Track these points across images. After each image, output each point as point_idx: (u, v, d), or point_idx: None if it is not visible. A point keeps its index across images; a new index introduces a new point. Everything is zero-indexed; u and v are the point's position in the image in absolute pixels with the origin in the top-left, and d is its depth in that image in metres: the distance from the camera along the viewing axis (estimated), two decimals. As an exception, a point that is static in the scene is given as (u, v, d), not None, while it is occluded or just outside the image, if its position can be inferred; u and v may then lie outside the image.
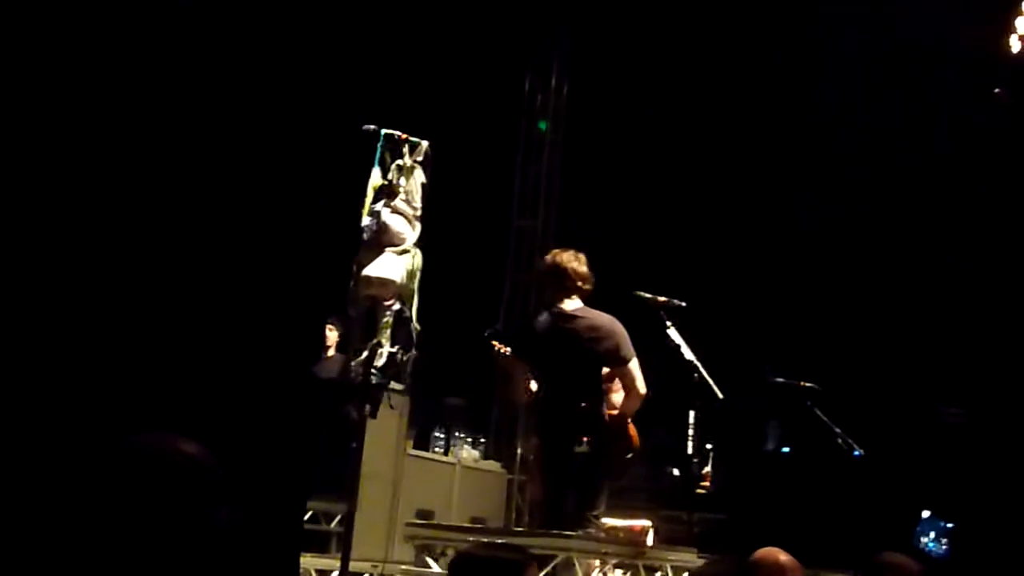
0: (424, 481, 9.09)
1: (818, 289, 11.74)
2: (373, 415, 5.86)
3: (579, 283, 7.33)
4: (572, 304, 7.30)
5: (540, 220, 12.22)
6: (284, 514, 4.88)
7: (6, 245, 4.30)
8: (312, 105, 5.86)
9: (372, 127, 6.11)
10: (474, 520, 9.35)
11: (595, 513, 7.23)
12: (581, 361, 7.19)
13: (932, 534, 10.22)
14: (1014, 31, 10.77)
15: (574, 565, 6.64)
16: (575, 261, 7.36)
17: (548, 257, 7.59)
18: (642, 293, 7.64)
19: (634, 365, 7.22)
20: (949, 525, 10.21)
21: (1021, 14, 11.00)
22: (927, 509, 10.22)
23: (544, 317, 7.37)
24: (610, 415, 7.31)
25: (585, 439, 7.08)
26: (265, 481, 4.60)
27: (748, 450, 11.55)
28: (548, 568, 6.27)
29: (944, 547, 10.24)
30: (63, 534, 2.48)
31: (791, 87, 11.82)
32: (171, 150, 5.04)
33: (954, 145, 11.60)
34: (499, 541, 5.83)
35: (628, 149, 11.97)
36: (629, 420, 7.38)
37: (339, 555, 7.38)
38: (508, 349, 7.48)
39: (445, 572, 6.31)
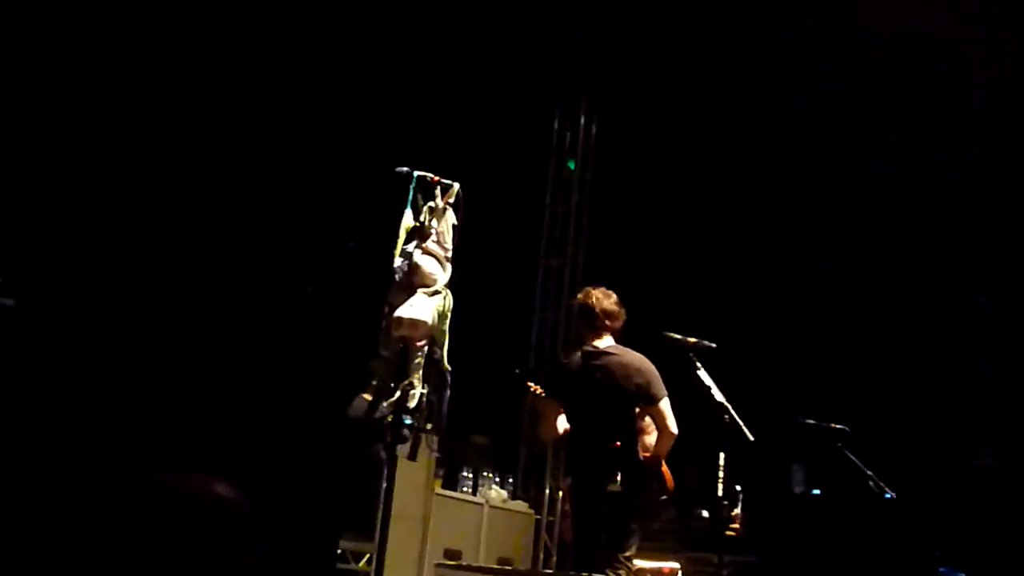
0: (452, 521, 9.06)
1: (847, 331, 11.69)
2: (412, 457, 5.85)
3: (608, 321, 7.33)
4: (603, 342, 7.30)
5: (568, 259, 12.23)
6: (316, 554, 4.88)
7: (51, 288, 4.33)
8: (345, 148, 5.90)
9: (405, 169, 6.13)
10: (501, 560, 9.31)
11: (626, 555, 7.19)
12: (613, 399, 7.17)
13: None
14: None
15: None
16: (605, 299, 7.37)
17: (579, 296, 7.60)
18: (671, 334, 7.62)
19: (665, 404, 7.21)
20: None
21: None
22: (943, 565, 10.13)
23: (575, 356, 7.36)
24: (644, 456, 7.28)
25: (618, 478, 7.04)
26: (297, 521, 4.60)
27: (776, 492, 11.48)
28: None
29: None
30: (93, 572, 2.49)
31: (819, 127, 11.81)
32: (206, 190, 5.09)
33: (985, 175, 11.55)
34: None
35: (657, 188, 11.97)
36: (663, 461, 7.35)
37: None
38: (541, 389, 7.47)
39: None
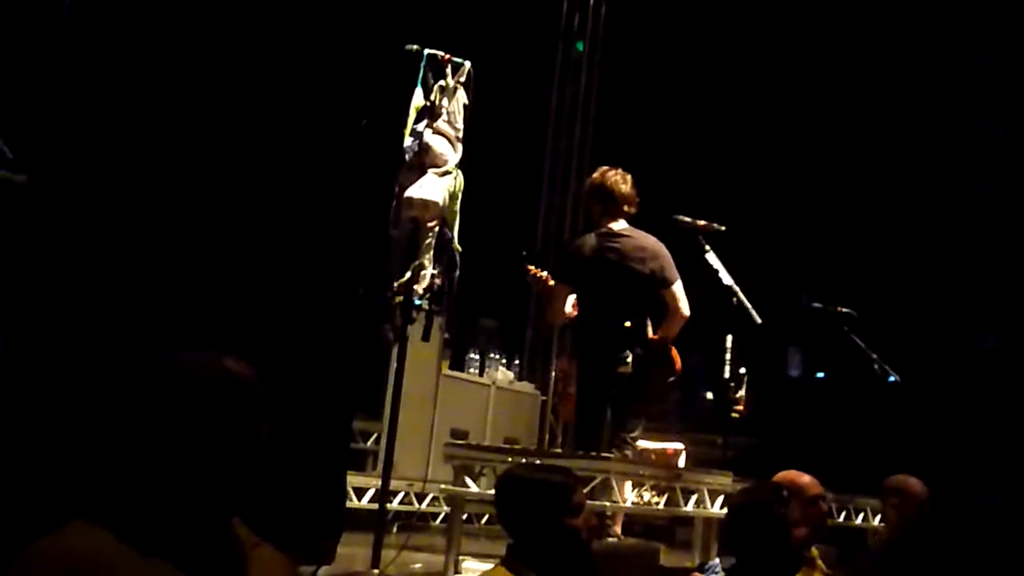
0: (459, 401, 9.14)
1: (853, 214, 11.66)
2: (425, 338, 5.87)
3: (624, 205, 7.33)
4: (618, 225, 7.30)
5: (576, 141, 12.15)
6: (330, 433, 4.92)
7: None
8: (355, 25, 5.81)
9: (415, 47, 6.06)
10: (507, 440, 9.39)
11: (632, 435, 7.26)
12: (627, 280, 7.19)
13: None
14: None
15: (612, 487, 6.69)
16: (622, 182, 7.36)
17: (595, 175, 7.57)
18: (681, 217, 7.60)
19: (678, 287, 7.24)
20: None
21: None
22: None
23: (589, 237, 7.36)
24: (653, 338, 7.31)
25: (628, 358, 7.09)
26: (310, 401, 4.63)
27: (778, 375, 11.56)
28: (586, 489, 6.31)
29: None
30: (102, 448, 2.50)
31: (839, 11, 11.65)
32: (215, 69, 5.03)
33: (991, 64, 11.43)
34: (539, 462, 5.87)
35: (665, 70, 11.84)
36: (671, 343, 7.38)
37: (377, 473, 7.47)
38: (544, 272, 7.49)
39: (483, 491, 6.36)
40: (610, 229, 7.29)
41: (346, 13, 5.64)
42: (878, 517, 8.73)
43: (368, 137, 5.62)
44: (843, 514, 8.96)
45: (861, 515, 9.12)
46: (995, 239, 11.56)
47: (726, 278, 7.55)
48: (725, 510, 6.52)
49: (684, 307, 7.25)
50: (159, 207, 4.76)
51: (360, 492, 7.56)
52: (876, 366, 8.81)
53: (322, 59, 5.42)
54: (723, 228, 7.67)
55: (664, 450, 9.02)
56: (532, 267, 7.59)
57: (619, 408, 7.19)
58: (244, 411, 2.26)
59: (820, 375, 11.12)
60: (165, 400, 2.22)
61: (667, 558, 7.28)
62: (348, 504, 7.11)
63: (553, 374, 11.18)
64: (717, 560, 5.44)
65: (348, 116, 5.49)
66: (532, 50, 11.68)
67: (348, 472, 7.39)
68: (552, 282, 7.42)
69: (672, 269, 7.26)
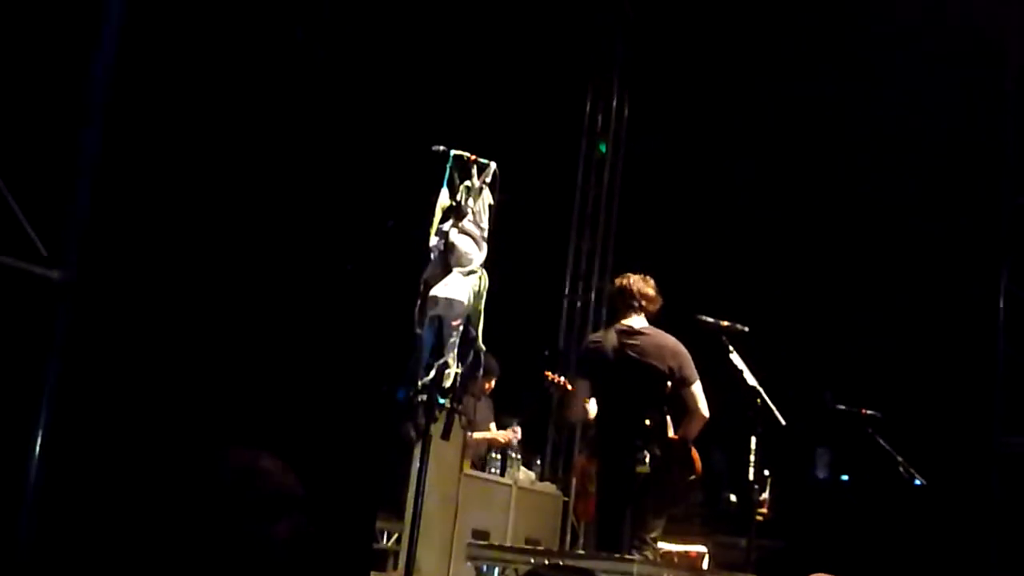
0: (481, 502, 9.08)
1: (876, 316, 11.63)
2: (445, 437, 5.87)
3: (644, 303, 7.40)
4: (638, 323, 7.36)
5: (599, 241, 12.21)
6: (353, 532, 4.90)
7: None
8: (383, 127, 5.89)
9: (441, 148, 6.13)
10: (529, 541, 9.32)
11: (651, 536, 7.21)
12: (647, 378, 7.22)
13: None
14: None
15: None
16: (643, 282, 7.47)
17: (617, 279, 7.68)
18: (704, 317, 7.62)
19: (697, 388, 7.26)
20: None
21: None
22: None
23: (610, 333, 7.41)
24: (672, 438, 7.29)
25: (647, 458, 7.07)
26: (334, 500, 4.61)
27: (803, 477, 11.46)
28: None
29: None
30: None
31: (854, 106, 11.72)
32: (247, 168, 5.09)
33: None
34: (562, 563, 5.82)
35: (689, 170, 11.92)
36: (691, 445, 7.36)
37: (399, 573, 7.41)
38: (562, 378, 7.56)
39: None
40: (630, 327, 7.35)
41: (374, 113, 5.72)
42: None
43: (395, 237, 5.67)
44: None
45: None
46: (1019, 338, 11.52)
47: (750, 379, 7.54)
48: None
49: (703, 407, 7.26)
50: (194, 305, 4.80)
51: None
52: (902, 468, 8.74)
53: (351, 159, 5.49)
54: (746, 329, 7.68)
55: (687, 553, 8.94)
56: (549, 372, 7.65)
57: (639, 508, 7.16)
58: (272, 507, 2.26)
59: (845, 477, 11.02)
60: (197, 492, 2.23)
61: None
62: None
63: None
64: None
65: (375, 215, 5.55)
66: (556, 151, 11.79)
67: (371, 572, 7.35)
68: (570, 386, 7.46)
69: (691, 369, 7.29)
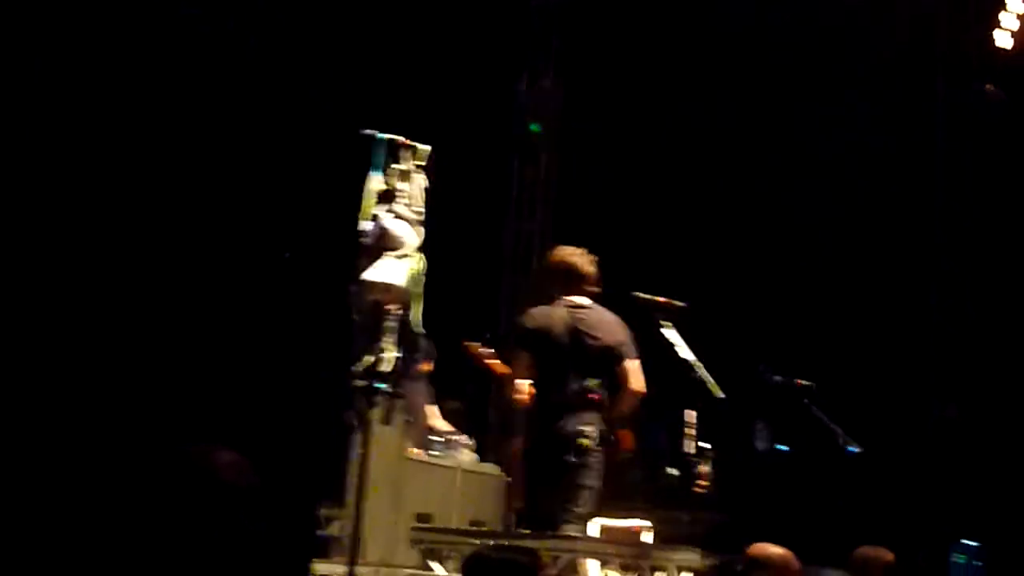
0: (424, 485, 9.07)
1: (812, 287, 11.75)
2: (386, 422, 5.87)
3: (586, 281, 7.40)
4: (580, 299, 7.37)
5: (538, 222, 12.23)
6: (297, 520, 4.89)
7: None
8: (311, 110, 5.87)
9: (371, 131, 6.11)
10: (474, 523, 9.32)
11: (582, 511, 7.20)
12: (595, 353, 7.24)
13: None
14: (1000, 26, 10.85)
15: (578, 566, 6.66)
16: (587, 262, 7.44)
17: (557, 252, 7.64)
18: (640, 294, 7.66)
19: (637, 364, 7.29)
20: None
21: (1006, 10, 11.07)
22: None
23: (558, 308, 7.39)
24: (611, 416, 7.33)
25: (590, 432, 7.10)
26: (278, 487, 4.59)
27: (742, 449, 11.55)
28: (554, 570, 6.28)
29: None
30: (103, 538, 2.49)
31: (788, 82, 11.82)
32: (173, 155, 5.06)
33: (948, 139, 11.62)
34: (507, 543, 5.85)
35: (623, 149, 11.96)
36: (625, 424, 7.40)
37: (340, 559, 7.39)
38: (484, 349, 7.55)
39: (450, 575, 6.33)
40: (576, 302, 7.35)
41: (306, 98, 5.70)
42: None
43: (327, 223, 5.66)
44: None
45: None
46: (952, 311, 11.70)
47: (686, 354, 7.59)
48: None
49: (641, 384, 7.29)
50: (132, 295, 4.77)
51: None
52: (838, 438, 8.85)
53: (283, 146, 5.47)
54: (683, 305, 7.73)
55: (630, 528, 8.99)
56: (473, 344, 7.62)
57: (571, 483, 7.15)
58: (239, 502, 2.27)
59: (783, 448, 11.13)
60: (171, 492, 2.23)
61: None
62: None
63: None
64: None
65: (309, 202, 5.53)
66: (490, 133, 11.79)
67: (314, 560, 7.34)
68: (495, 362, 7.47)
69: (632, 346, 7.31)
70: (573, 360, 7.26)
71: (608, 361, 7.29)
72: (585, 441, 7.08)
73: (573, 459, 7.08)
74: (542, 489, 7.19)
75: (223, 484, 2.28)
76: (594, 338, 7.29)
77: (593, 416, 7.18)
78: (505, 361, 7.59)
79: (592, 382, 7.25)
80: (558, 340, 7.26)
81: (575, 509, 7.13)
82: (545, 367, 7.35)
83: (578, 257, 7.49)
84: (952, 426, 11.21)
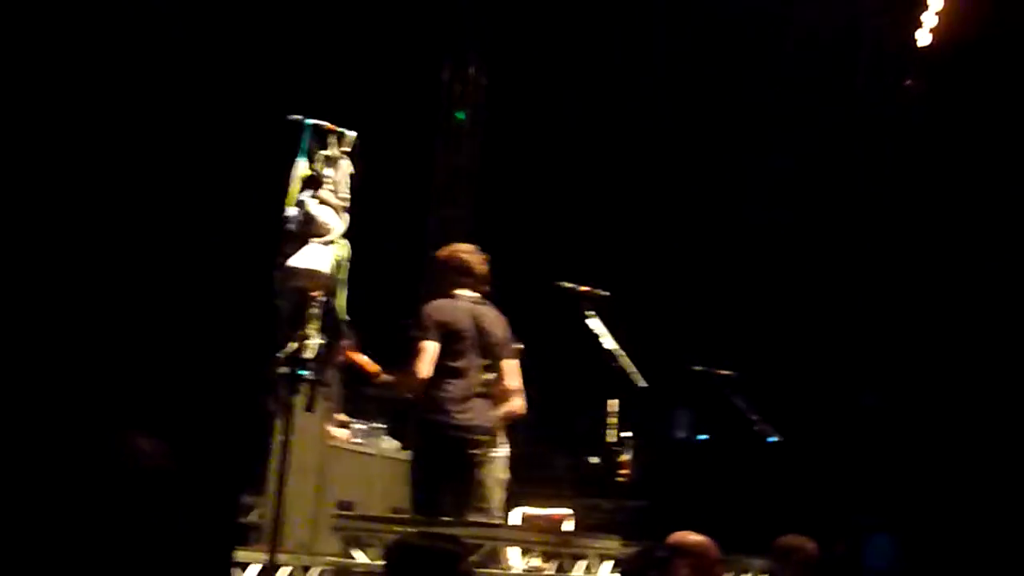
0: (345, 472, 9.03)
1: (736, 276, 11.84)
2: (309, 408, 5.83)
3: (479, 282, 7.54)
4: (474, 295, 7.50)
5: (461, 209, 12.21)
6: (218, 508, 4.84)
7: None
8: (236, 96, 5.79)
9: (298, 117, 6.06)
10: (396, 510, 9.30)
11: (483, 505, 7.28)
12: (493, 347, 7.43)
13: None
14: (922, 24, 11.03)
15: (500, 554, 6.69)
16: (480, 262, 7.58)
17: (453, 250, 7.76)
18: (563, 283, 7.71)
19: (516, 364, 7.58)
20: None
21: (927, 8, 11.26)
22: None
23: (462, 302, 7.46)
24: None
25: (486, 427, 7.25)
26: (199, 475, 4.55)
27: (664, 438, 11.65)
28: (474, 557, 6.30)
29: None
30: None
31: (713, 70, 11.90)
32: (95, 140, 4.97)
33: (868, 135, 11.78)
34: (431, 531, 5.84)
35: (547, 136, 11.96)
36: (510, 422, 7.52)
37: (261, 548, 7.33)
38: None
39: (371, 562, 6.31)
40: (474, 298, 7.46)
41: (230, 84, 5.62)
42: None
43: (252, 208, 5.59)
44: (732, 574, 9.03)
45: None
46: (873, 300, 11.85)
47: (609, 343, 7.64)
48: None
49: (520, 382, 7.50)
50: (51, 284, 4.69)
51: (245, 567, 7.42)
52: (756, 427, 8.96)
53: (206, 131, 5.39)
54: (606, 293, 7.78)
55: (552, 516, 9.04)
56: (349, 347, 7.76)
57: (477, 475, 7.26)
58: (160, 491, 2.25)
59: (703, 437, 11.24)
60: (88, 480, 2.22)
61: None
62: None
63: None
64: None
65: (234, 187, 5.44)
66: (415, 120, 11.75)
67: (236, 547, 7.27)
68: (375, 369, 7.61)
69: (511, 346, 7.59)
70: (475, 354, 7.36)
71: (498, 358, 7.40)
72: (484, 437, 7.21)
73: (475, 452, 7.19)
74: (444, 484, 7.24)
75: (141, 470, 2.26)
76: (491, 334, 7.44)
77: (492, 409, 7.31)
78: (410, 351, 7.54)
79: (489, 375, 7.36)
80: (464, 334, 7.35)
81: (479, 504, 7.20)
82: (450, 359, 7.40)
83: (472, 255, 7.61)
84: (872, 415, 11.37)
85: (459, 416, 7.30)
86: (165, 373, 4.87)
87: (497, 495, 7.37)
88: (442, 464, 7.33)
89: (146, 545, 2.27)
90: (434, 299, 7.60)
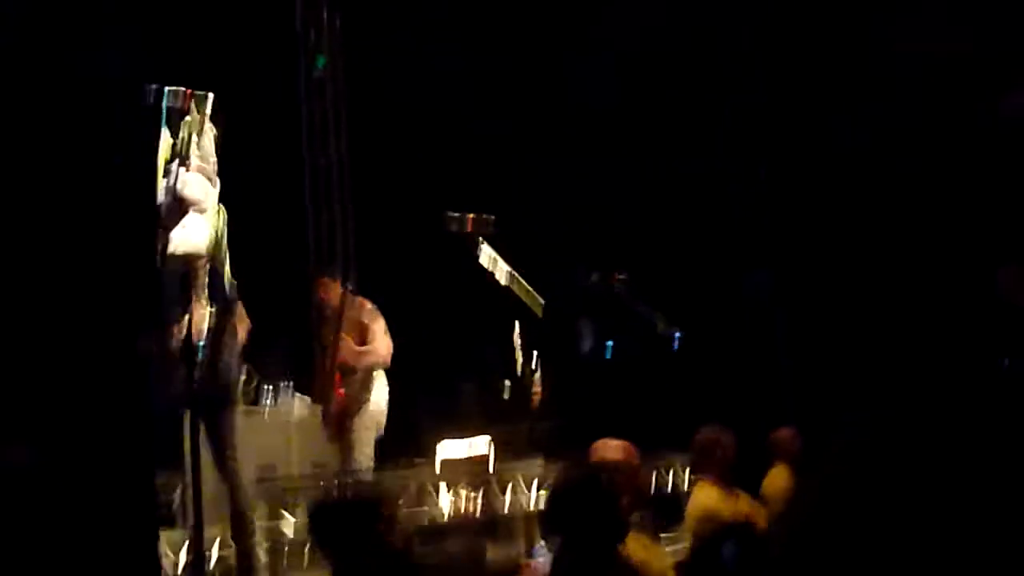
0: (260, 436, 8.94)
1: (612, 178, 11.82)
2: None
3: None
4: None
5: (334, 156, 12.01)
6: (133, 494, 4.75)
7: None
8: (87, 66, 5.61)
9: (153, 86, 5.89)
10: (317, 465, 9.25)
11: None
12: None
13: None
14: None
15: (428, 494, 6.72)
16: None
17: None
18: (450, 213, 7.68)
19: None
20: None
21: None
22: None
23: None
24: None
25: None
26: (106, 462, 4.45)
27: (570, 353, 11.68)
28: (401, 499, 6.32)
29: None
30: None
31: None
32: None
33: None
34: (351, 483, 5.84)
35: (414, 69, 11.79)
36: None
37: (186, 527, 7.24)
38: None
39: (298, 522, 6.29)
40: None
41: (78, 57, 5.43)
42: (687, 471, 8.97)
43: (122, 187, 5.44)
44: (655, 474, 9.16)
45: (672, 472, 9.35)
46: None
47: (504, 267, 7.65)
48: (544, 495, 6.62)
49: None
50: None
51: (176, 548, 7.34)
52: (657, 326, 9.06)
53: (63, 107, 5.21)
54: (493, 217, 7.77)
55: (472, 458, 9.02)
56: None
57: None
58: None
59: (608, 344, 11.27)
60: None
61: (494, 552, 7.31)
62: (165, 561, 6.91)
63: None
64: (542, 543, 5.49)
65: (101, 162, 5.28)
66: (275, 71, 11.53)
67: (160, 529, 7.17)
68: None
69: None
70: None
71: None
72: None
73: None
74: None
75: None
76: None
77: None
78: None
79: None
80: None
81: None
82: None
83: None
84: (766, 302, 11.49)
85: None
86: (55, 358, 4.75)
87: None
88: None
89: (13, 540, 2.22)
90: None
